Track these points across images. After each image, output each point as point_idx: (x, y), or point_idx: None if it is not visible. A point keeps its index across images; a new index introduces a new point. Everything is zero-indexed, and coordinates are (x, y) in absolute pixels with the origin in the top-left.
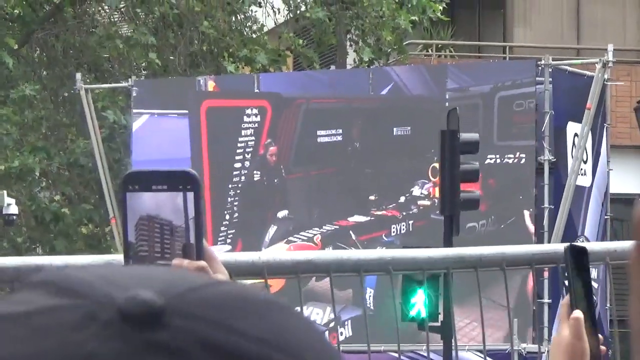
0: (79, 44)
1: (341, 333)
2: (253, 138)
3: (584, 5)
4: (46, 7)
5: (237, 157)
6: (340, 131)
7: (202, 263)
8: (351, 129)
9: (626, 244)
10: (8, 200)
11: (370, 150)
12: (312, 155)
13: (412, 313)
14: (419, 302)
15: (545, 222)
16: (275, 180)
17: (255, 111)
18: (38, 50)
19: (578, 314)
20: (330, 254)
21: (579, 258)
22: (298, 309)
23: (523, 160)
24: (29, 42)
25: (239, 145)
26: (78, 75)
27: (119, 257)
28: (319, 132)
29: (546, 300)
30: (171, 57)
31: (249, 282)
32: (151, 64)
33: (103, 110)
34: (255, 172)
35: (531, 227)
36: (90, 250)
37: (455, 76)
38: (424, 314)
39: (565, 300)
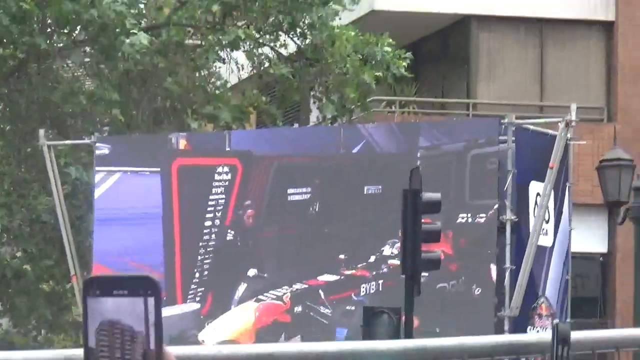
0: (43, 100)
1: None
2: (224, 196)
3: (547, 62)
4: (10, 63)
5: (207, 215)
6: (310, 189)
7: None
8: (322, 187)
9: (585, 334)
10: None
11: (341, 208)
12: (282, 213)
13: None
14: None
15: (507, 282)
16: (246, 239)
17: (226, 169)
18: (1, 106)
19: None
20: (291, 347)
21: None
22: None
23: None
24: None
25: (209, 203)
26: (41, 132)
27: (77, 352)
28: (290, 191)
29: None
30: (134, 113)
31: None
32: (114, 120)
33: (66, 166)
34: (228, 231)
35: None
36: (51, 308)
37: (428, 133)
38: None
39: None
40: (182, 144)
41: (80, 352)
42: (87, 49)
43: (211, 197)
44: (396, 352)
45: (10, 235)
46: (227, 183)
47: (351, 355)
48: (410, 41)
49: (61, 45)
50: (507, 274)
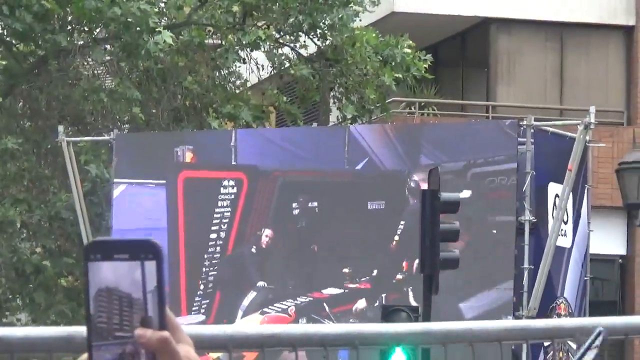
0: (63, 97)
1: None
2: (229, 209)
3: (567, 66)
4: (31, 60)
5: (212, 228)
6: (315, 204)
7: (165, 333)
8: (327, 202)
9: (620, 319)
10: None
11: (345, 223)
12: (287, 227)
13: None
14: None
15: (525, 282)
16: (251, 252)
17: (232, 183)
18: (21, 102)
19: None
20: (296, 328)
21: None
22: None
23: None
24: (12, 93)
25: (215, 216)
26: (60, 128)
27: (81, 329)
28: (295, 205)
29: None
30: (154, 111)
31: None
32: (134, 118)
33: (86, 164)
34: (233, 244)
35: None
36: (70, 303)
37: (429, 152)
38: None
39: None
40: (189, 156)
41: (84, 329)
42: (108, 46)
43: (217, 210)
44: (402, 335)
45: (29, 231)
46: (232, 197)
47: (357, 337)
48: (430, 43)
49: (82, 42)
50: (526, 274)
